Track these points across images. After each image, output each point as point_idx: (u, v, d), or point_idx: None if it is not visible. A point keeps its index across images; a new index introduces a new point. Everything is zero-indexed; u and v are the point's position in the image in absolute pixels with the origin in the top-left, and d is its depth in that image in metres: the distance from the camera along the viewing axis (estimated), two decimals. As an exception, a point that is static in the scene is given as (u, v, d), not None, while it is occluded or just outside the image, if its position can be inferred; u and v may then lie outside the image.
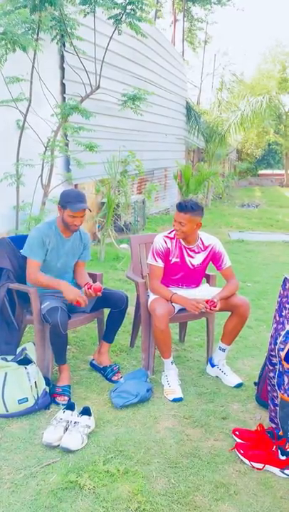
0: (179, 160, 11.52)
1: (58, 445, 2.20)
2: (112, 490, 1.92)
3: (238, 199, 16.50)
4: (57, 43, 5.25)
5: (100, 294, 2.76)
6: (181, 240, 2.84)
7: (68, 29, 4.84)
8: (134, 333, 3.35)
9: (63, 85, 6.04)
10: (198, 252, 2.88)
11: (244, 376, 2.95)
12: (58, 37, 5.02)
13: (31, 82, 4.60)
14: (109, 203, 6.04)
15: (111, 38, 5.27)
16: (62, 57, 5.92)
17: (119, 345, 3.35)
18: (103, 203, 6.74)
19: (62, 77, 6.02)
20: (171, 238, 2.87)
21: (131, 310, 3.26)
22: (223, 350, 2.90)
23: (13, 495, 1.90)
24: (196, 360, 3.21)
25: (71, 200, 2.74)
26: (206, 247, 2.89)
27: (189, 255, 2.87)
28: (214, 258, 2.89)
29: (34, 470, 2.05)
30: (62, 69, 6.00)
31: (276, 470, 2.06)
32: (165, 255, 2.84)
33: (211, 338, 3.09)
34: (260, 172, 29.47)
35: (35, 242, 2.76)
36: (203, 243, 2.88)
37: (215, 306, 2.65)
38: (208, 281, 3.13)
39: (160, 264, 2.84)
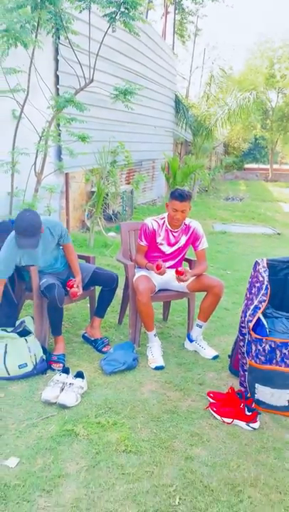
0: (167, 152, 11.79)
1: (56, 402, 2.52)
2: (103, 437, 2.26)
3: (224, 192, 16.86)
4: (52, 36, 5.45)
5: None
6: (167, 224, 3.18)
7: (64, 23, 5.05)
8: (122, 311, 3.67)
9: (57, 77, 6.25)
10: (182, 234, 3.23)
11: (220, 350, 3.30)
12: (53, 30, 5.22)
13: (29, 75, 4.82)
14: (99, 192, 6.31)
15: (105, 34, 5.50)
16: (56, 50, 6.12)
17: (108, 322, 3.67)
18: (92, 192, 7.00)
19: (56, 68, 6.23)
20: (158, 222, 3.22)
21: (119, 291, 3.58)
22: (200, 326, 3.25)
23: (18, 440, 2.22)
24: (177, 336, 3.56)
25: (17, 234, 2.83)
26: (188, 229, 3.25)
27: (175, 237, 3.23)
28: (195, 239, 3.25)
29: (35, 421, 2.37)
30: (57, 61, 6.20)
31: (243, 424, 2.42)
32: (151, 236, 3.20)
33: (191, 316, 3.43)
34: (246, 166, 29.89)
35: (2, 260, 2.91)
36: (186, 226, 3.24)
37: (182, 274, 3.01)
38: (190, 266, 3.46)
39: (144, 243, 3.24)
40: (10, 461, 2.06)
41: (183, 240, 3.25)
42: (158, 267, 3.05)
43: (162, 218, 3.24)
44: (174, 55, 14.08)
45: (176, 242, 3.25)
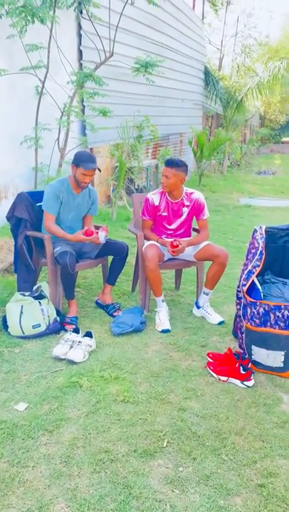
0: (196, 125, 11.67)
1: (65, 358, 2.74)
2: (104, 388, 2.46)
3: (256, 166, 16.52)
4: (74, 10, 5.51)
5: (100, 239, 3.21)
6: (167, 196, 3.29)
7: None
8: (135, 279, 3.84)
9: (80, 52, 6.33)
10: (184, 206, 3.32)
11: (227, 317, 3.42)
12: (75, 4, 5.28)
13: (49, 51, 4.93)
14: (120, 167, 6.43)
15: (125, 5, 5.51)
16: (79, 24, 6.19)
17: (122, 290, 3.85)
18: (117, 167, 7.12)
19: (79, 43, 6.30)
20: (159, 195, 3.34)
21: (133, 260, 3.75)
22: (207, 294, 3.38)
23: (28, 388, 2.46)
24: (187, 303, 3.70)
25: (84, 159, 3.19)
26: (191, 200, 3.34)
27: (176, 209, 3.33)
28: (198, 210, 3.35)
29: (45, 374, 2.60)
30: (80, 36, 6.27)
31: (237, 382, 2.56)
32: (153, 210, 3.34)
33: (200, 284, 3.55)
34: (284, 139, 28.88)
35: (50, 197, 3.24)
36: (188, 197, 3.34)
37: (177, 246, 3.14)
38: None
39: (147, 218, 3.38)
40: (19, 405, 2.30)
41: (185, 212, 3.35)
42: (172, 246, 3.17)
43: (162, 191, 3.36)
44: (205, 24, 13.71)
45: (177, 214, 3.35)
